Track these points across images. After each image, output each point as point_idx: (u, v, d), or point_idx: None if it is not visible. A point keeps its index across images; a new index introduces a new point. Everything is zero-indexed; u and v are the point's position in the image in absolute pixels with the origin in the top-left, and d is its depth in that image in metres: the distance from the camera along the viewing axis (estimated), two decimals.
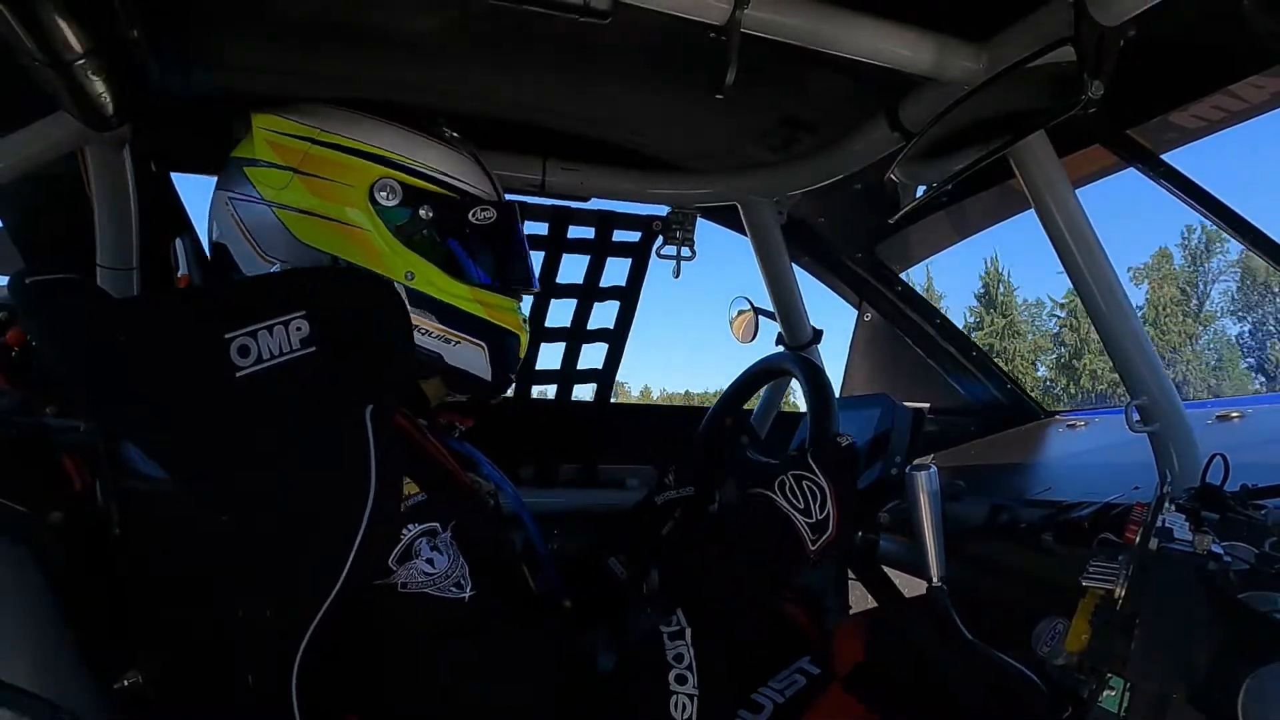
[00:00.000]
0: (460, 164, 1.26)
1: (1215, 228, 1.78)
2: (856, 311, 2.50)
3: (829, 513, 1.18)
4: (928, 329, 2.38)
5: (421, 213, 1.19)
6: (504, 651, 0.96)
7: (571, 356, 2.33)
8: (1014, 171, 1.47)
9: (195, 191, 1.66)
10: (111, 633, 1.01)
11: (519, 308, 1.31)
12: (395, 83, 1.52)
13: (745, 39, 1.15)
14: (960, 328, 2.50)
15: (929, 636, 1.27)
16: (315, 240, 1.16)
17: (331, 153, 1.18)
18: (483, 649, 0.95)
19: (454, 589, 0.94)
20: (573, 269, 2.22)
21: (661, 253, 2.18)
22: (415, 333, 1.12)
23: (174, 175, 1.81)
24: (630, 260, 2.26)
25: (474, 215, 1.23)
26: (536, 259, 2.11)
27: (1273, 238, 1.51)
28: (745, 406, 1.85)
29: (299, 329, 0.92)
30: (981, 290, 37.34)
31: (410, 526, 0.94)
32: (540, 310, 2.21)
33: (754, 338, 2.33)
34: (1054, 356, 37.48)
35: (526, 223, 2.02)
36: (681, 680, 0.98)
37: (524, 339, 1.31)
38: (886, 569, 1.79)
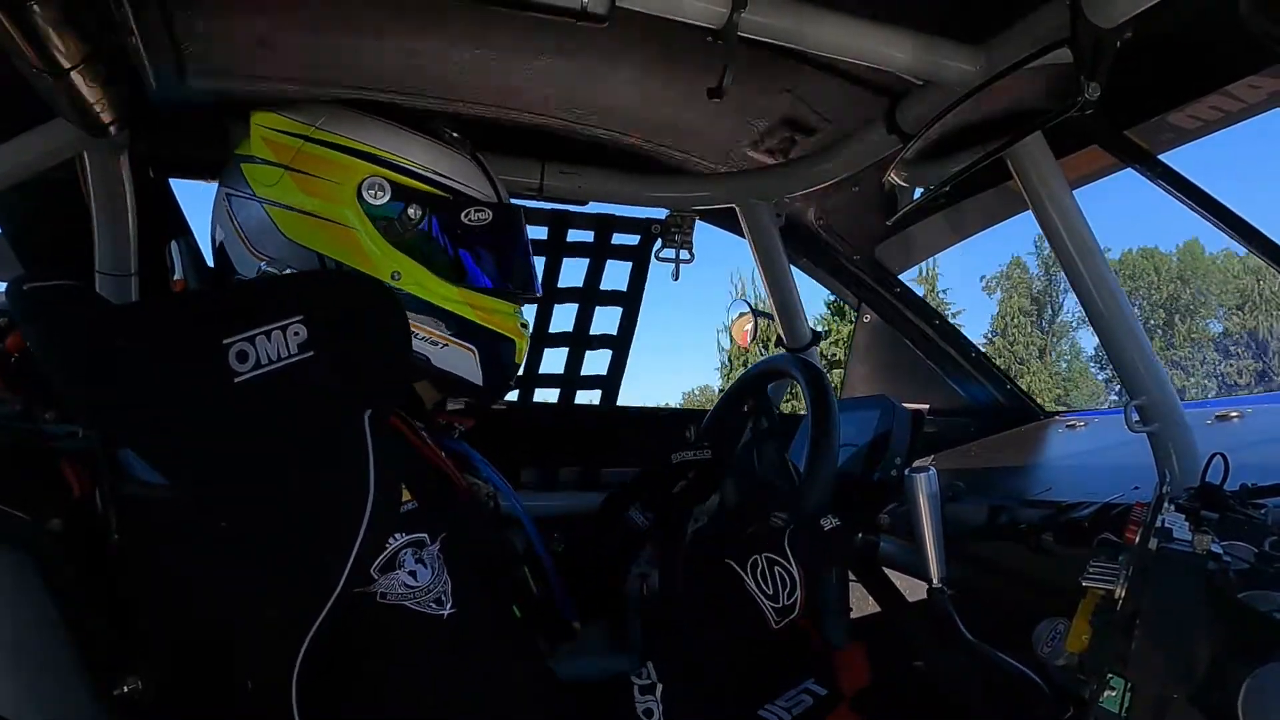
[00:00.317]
0: (456, 164, 1.25)
1: None
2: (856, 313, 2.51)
3: (797, 599, 1.17)
4: (927, 330, 2.38)
5: (411, 212, 1.18)
6: (473, 676, 0.95)
7: (575, 361, 2.34)
8: (1011, 173, 1.47)
9: (194, 198, 1.67)
10: (111, 639, 1.01)
11: (517, 312, 1.29)
12: (393, 86, 1.52)
13: (742, 42, 1.16)
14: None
15: (932, 647, 1.27)
16: (303, 238, 1.15)
17: (323, 150, 1.17)
18: (452, 672, 0.94)
19: (433, 605, 0.93)
20: (575, 276, 2.23)
21: (660, 255, 2.19)
22: None
23: (172, 181, 1.81)
24: (630, 264, 2.27)
25: (467, 216, 1.22)
26: (537, 263, 2.11)
27: (1271, 238, 1.51)
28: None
29: (297, 334, 0.92)
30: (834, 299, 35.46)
31: (397, 536, 0.93)
32: (543, 315, 2.21)
33: (753, 340, 2.33)
34: None
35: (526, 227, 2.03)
36: None
37: (521, 344, 1.29)
38: (887, 570, 1.79)
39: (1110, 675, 0.88)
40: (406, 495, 0.97)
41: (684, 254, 2.18)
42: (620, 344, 2.35)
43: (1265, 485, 1.10)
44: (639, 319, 2.34)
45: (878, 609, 1.63)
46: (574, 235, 2.16)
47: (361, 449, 0.89)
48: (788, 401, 2.71)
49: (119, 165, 1.53)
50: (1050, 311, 35.71)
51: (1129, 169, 1.62)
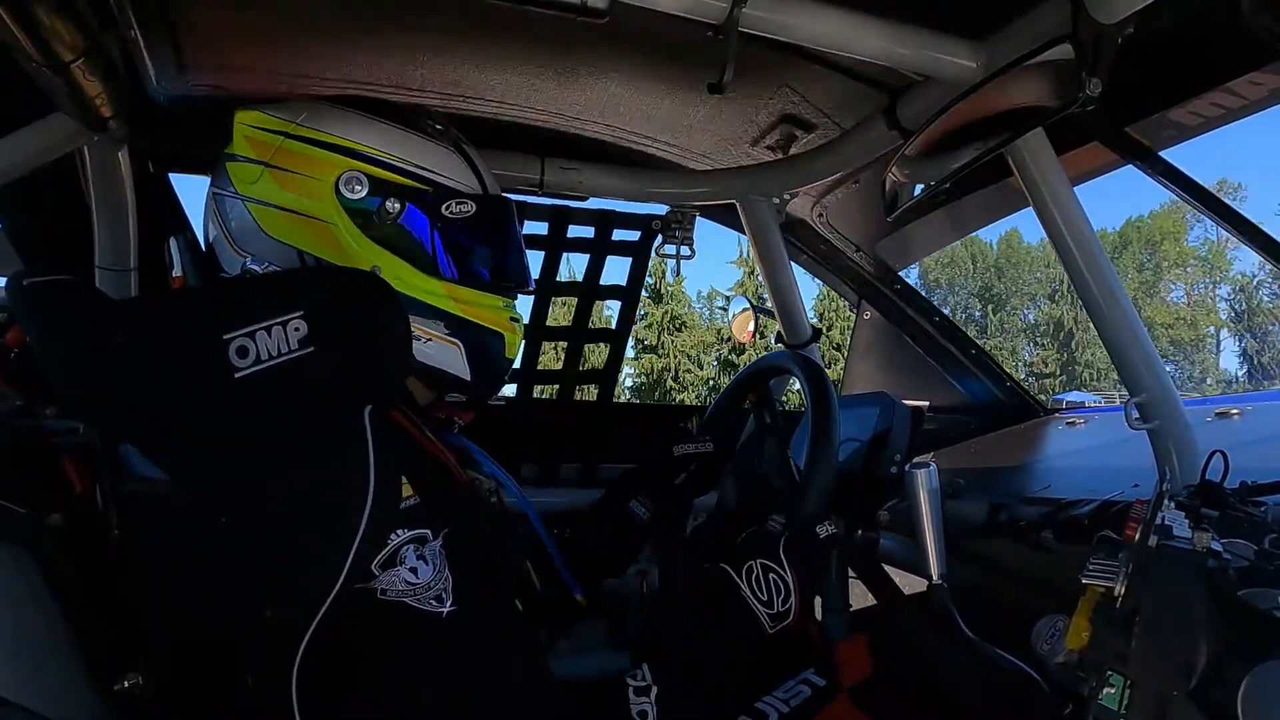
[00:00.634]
0: (438, 156, 1.23)
1: None
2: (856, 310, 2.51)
3: (791, 605, 1.17)
4: (927, 327, 2.38)
5: (389, 205, 1.17)
6: (471, 675, 0.95)
7: (573, 356, 2.34)
8: (1012, 169, 1.47)
9: (195, 192, 1.66)
10: (111, 635, 1.01)
11: (509, 306, 1.28)
12: (392, 83, 1.52)
13: (743, 37, 1.15)
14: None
15: (935, 643, 1.27)
16: (283, 234, 1.15)
17: (302, 146, 1.17)
18: (450, 670, 0.94)
19: (433, 602, 0.93)
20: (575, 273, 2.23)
21: (661, 251, 2.19)
22: None
23: (172, 176, 1.81)
24: (630, 259, 2.27)
25: (448, 209, 1.21)
26: (537, 258, 2.11)
27: (1272, 235, 1.51)
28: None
29: (297, 329, 0.92)
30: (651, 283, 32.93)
31: (399, 532, 0.93)
32: (541, 309, 2.21)
33: (753, 337, 2.33)
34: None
35: (526, 222, 2.03)
36: None
37: (512, 339, 1.27)
38: (887, 567, 1.79)
39: (1110, 672, 0.88)
40: (409, 490, 0.96)
41: (684, 250, 2.18)
42: (618, 338, 2.36)
43: (1265, 483, 1.10)
44: (634, 318, 2.35)
45: (876, 605, 1.64)
46: (574, 231, 2.16)
47: (362, 445, 0.89)
48: (788, 395, 2.71)
49: (119, 160, 1.53)
50: None
51: (1130, 165, 1.62)
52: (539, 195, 1.90)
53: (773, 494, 1.46)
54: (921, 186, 1.51)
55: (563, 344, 2.40)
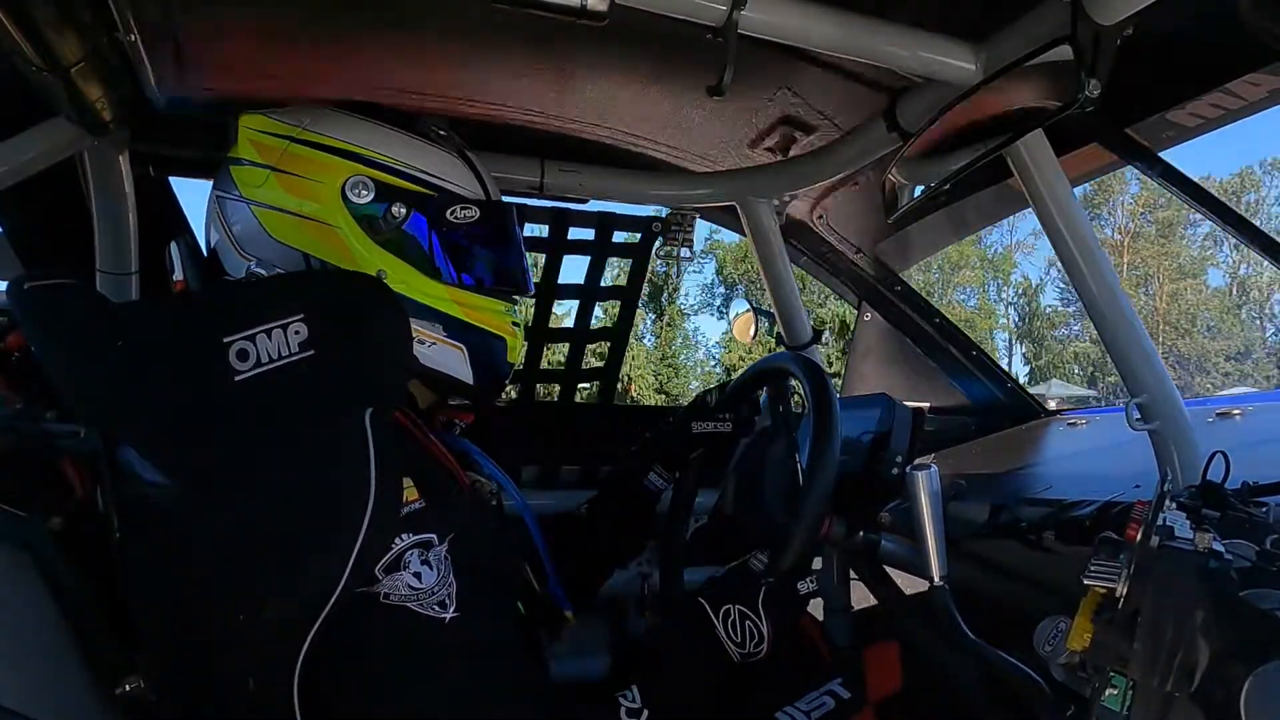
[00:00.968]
0: (442, 161, 1.24)
1: None
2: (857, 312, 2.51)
3: (763, 649, 1.18)
4: (927, 329, 2.38)
5: (395, 210, 1.17)
6: (471, 682, 0.96)
7: (574, 357, 2.34)
8: (1012, 171, 1.47)
9: (193, 194, 1.66)
10: (112, 638, 1.01)
11: (511, 310, 1.28)
12: (393, 86, 1.52)
13: (743, 40, 1.15)
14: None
15: (933, 646, 1.26)
16: (289, 238, 1.15)
17: (308, 150, 1.17)
18: (451, 676, 0.95)
19: (436, 608, 0.93)
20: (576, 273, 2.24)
21: (661, 253, 2.20)
22: None
23: (173, 180, 1.81)
24: (631, 261, 2.27)
25: (452, 214, 1.21)
26: (537, 260, 2.11)
27: (1272, 236, 1.51)
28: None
29: (297, 332, 0.92)
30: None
31: (404, 536, 0.93)
32: (542, 311, 2.21)
33: (754, 338, 2.34)
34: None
35: (527, 224, 2.03)
36: None
37: (513, 342, 1.27)
38: (888, 568, 1.79)
39: (1112, 674, 0.88)
40: (414, 494, 0.96)
41: (684, 251, 2.18)
42: (618, 338, 2.36)
43: (1266, 483, 1.10)
44: (634, 319, 2.35)
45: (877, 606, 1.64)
46: (575, 233, 2.16)
47: (363, 448, 0.89)
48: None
49: (119, 164, 1.53)
50: None
51: (1129, 166, 1.62)
52: (539, 198, 1.90)
53: (766, 516, 1.45)
54: (921, 188, 1.51)
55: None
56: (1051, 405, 2.56)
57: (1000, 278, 38.21)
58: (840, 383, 2.62)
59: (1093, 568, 0.94)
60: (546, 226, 2.11)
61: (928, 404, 2.30)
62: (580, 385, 2.46)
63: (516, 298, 1.31)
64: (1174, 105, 1.46)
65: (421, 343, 1.18)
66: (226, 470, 0.89)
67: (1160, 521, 0.92)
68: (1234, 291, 36.31)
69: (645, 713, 1.03)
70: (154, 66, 1.34)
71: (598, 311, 2.34)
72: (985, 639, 1.25)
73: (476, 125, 1.63)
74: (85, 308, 0.96)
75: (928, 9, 1.27)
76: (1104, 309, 1.43)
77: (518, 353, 1.30)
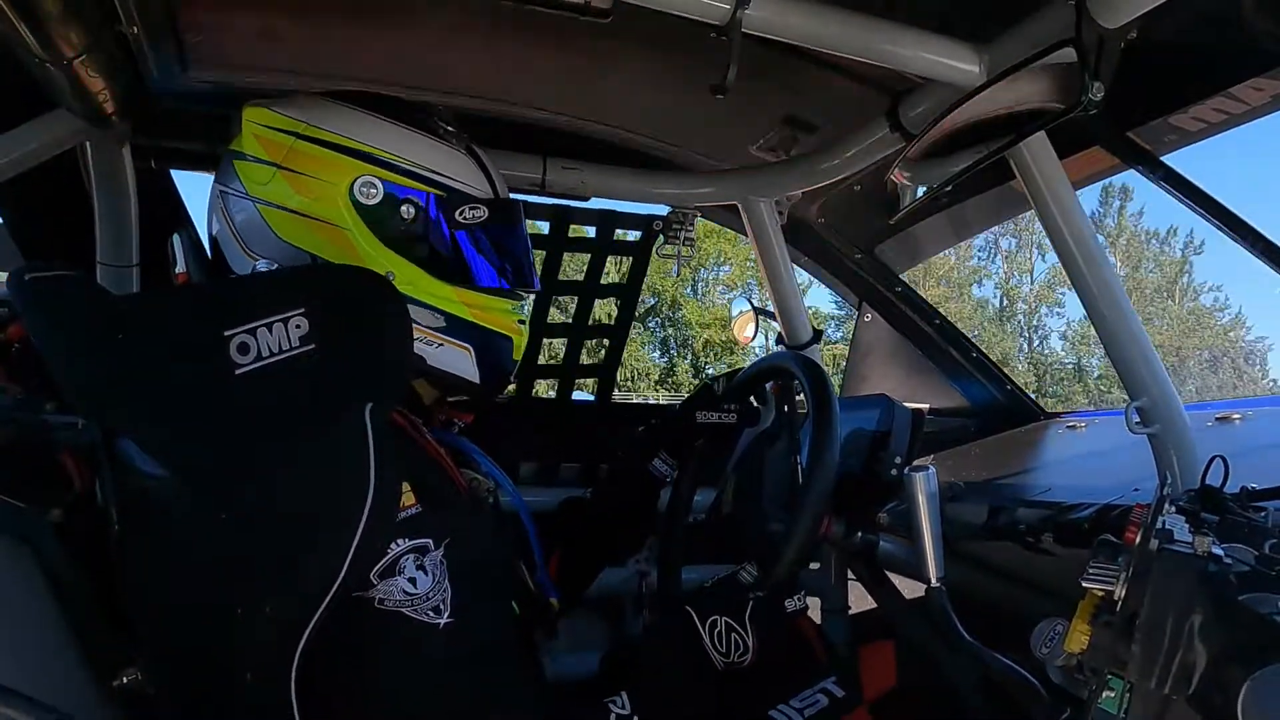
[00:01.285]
0: (451, 159, 1.22)
1: None
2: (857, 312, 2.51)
3: (747, 659, 1.19)
4: (927, 330, 2.38)
5: (404, 211, 1.17)
6: (464, 688, 0.96)
7: (573, 354, 2.34)
8: (1014, 173, 1.47)
9: (191, 184, 1.66)
10: (110, 630, 1.01)
11: (517, 308, 1.28)
12: (395, 80, 1.52)
13: (746, 39, 1.15)
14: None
15: (930, 647, 1.26)
16: (296, 239, 1.14)
17: (315, 148, 1.15)
18: (443, 682, 0.95)
19: (430, 613, 0.93)
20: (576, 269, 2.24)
21: (661, 251, 2.20)
22: None
23: (174, 172, 1.81)
24: (631, 259, 2.27)
25: (461, 214, 1.20)
26: (538, 257, 2.11)
27: (1274, 241, 1.51)
28: None
29: (298, 326, 0.92)
30: None
31: (400, 541, 0.93)
32: (542, 308, 2.21)
33: (754, 338, 2.34)
34: None
35: (528, 221, 2.03)
36: None
37: (519, 340, 1.27)
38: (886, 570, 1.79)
39: (1109, 676, 0.88)
40: (410, 499, 0.97)
41: (685, 250, 2.18)
42: (617, 336, 2.36)
43: (1265, 488, 1.10)
44: (634, 316, 2.35)
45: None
46: (576, 230, 2.17)
47: (362, 442, 0.89)
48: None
49: (120, 156, 1.53)
50: None
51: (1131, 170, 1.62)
52: (540, 195, 1.90)
53: (762, 519, 1.45)
54: (923, 189, 1.51)
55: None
56: None
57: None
58: (840, 383, 2.62)
59: (1091, 570, 0.94)
60: (547, 223, 2.12)
61: (927, 405, 2.30)
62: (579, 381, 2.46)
63: (522, 294, 1.31)
64: (1177, 109, 1.46)
65: (429, 344, 1.18)
66: (226, 463, 0.89)
67: (1159, 525, 0.92)
68: (1000, 302, 35.27)
69: (634, 719, 1.04)
70: (156, 58, 1.34)
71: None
72: (982, 640, 1.25)
73: (478, 121, 1.63)
74: (86, 300, 0.96)
75: (932, 10, 1.27)
76: (1105, 312, 1.43)
77: (521, 350, 1.30)
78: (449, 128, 1.26)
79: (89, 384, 0.92)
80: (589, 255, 2.25)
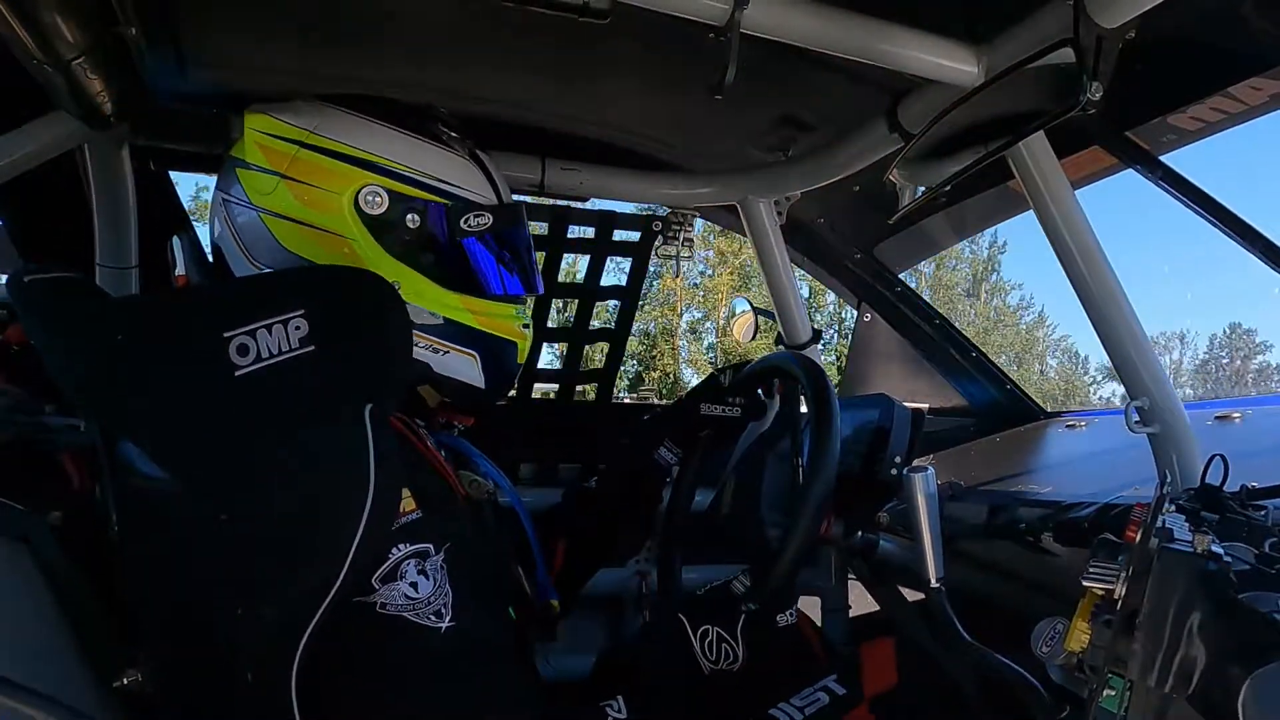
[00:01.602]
0: (456, 167, 1.22)
1: None
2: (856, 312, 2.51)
3: (736, 666, 1.21)
4: (927, 330, 2.38)
5: (409, 220, 1.17)
6: (464, 692, 0.96)
7: (573, 356, 2.34)
8: (1013, 172, 1.47)
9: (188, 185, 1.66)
10: (111, 631, 1.01)
11: (521, 312, 1.28)
12: (394, 82, 1.52)
13: (744, 39, 1.15)
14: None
15: (929, 646, 1.26)
16: (301, 248, 1.14)
17: (319, 157, 1.15)
18: (444, 686, 0.95)
19: (432, 617, 0.93)
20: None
21: (661, 252, 2.20)
22: None
23: (173, 174, 1.81)
24: (631, 260, 2.27)
25: (466, 222, 1.20)
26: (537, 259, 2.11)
27: (1273, 240, 1.51)
28: None
29: (298, 328, 0.92)
30: None
31: (401, 546, 0.93)
32: (541, 310, 2.21)
33: (754, 338, 2.34)
34: None
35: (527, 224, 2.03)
36: None
37: (523, 345, 1.28)
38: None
39: (1110, 675, 0.88)
40: (411, 505, 0.96)
41: (684, 251, 2.18)
42: (617, 337, 2.36)
43: (1265, 487, 1.10)
44: (634, 318, 2.35)
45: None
46: (575, 231, 2.17)
47: (362, 444, 0.89)
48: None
49: (119, 158, 1.53)
50: None
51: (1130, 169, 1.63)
52: (539, 196, 1.90)
53: (759, 524, 1.45)
54: (922, 189, 1.51)
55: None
56: None
57: None
58: (839, 383, 2.62)
59: (1091, 569, 0.94)
60: (546, 224, 2.12)
61: (927, 405, 2.30)
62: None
63: (526, 298, 1.31)
64: (1175, 109, 1.46)
65: (435, 351, 1.18)
66: (226, 465, 0.89)
67: (1159, 524, 0.92)
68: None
69: None
70: (154, 60, 1.34)
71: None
72: (982, 640, 1.25)
73: (477, 123, 1.62)
74: (85, 302, 0.96)
75: (930, 10, 1.26)
76: (1105, 311, 1.43)
77: (525, 354, 1.30)
78: (452, 133, 1.26)
79: (88, 386, 0.92)
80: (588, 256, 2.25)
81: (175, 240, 1.19)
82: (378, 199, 1.15)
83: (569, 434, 2.29)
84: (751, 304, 2.36)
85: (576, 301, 2.31)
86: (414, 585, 0.93)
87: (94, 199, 1.56)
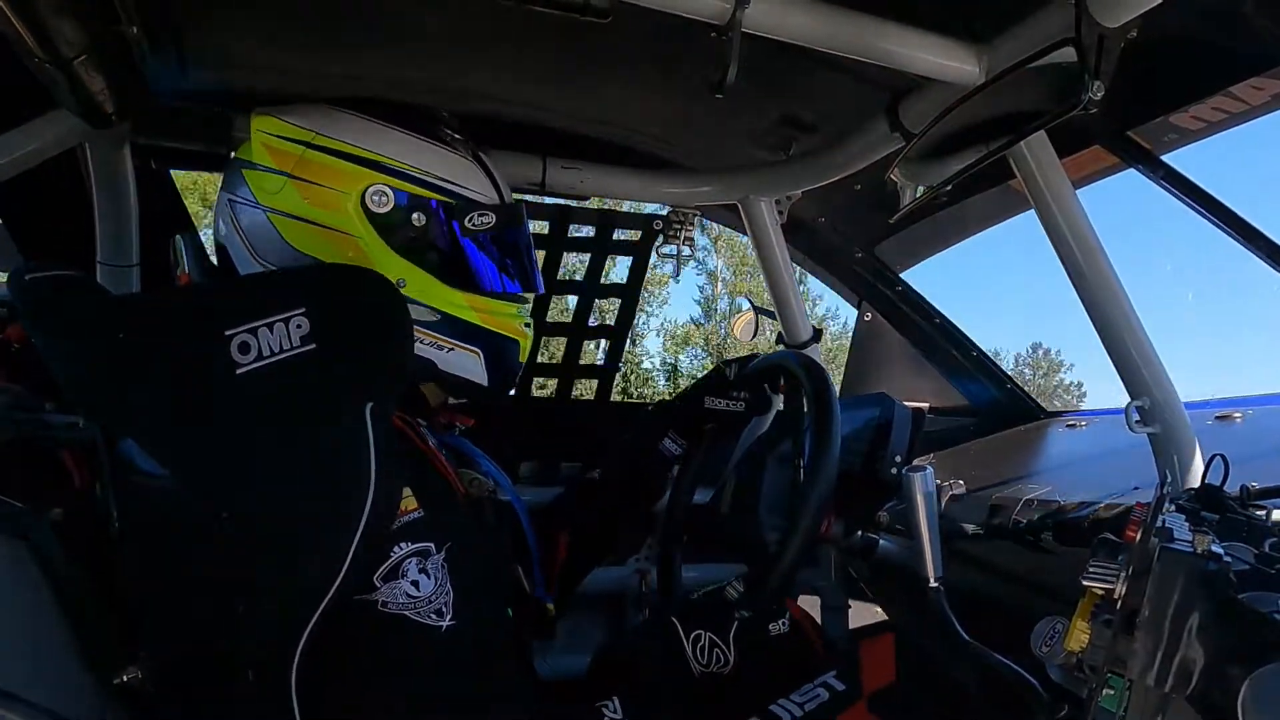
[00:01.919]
0: (459, 167, 1.24)
1: None
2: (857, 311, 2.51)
3: (727, 669, 1.23)
4: (927, 329, 2.38)
5: (414, 219, 1.18)
6: (464, 690, 0.97)
7: (573, 353, 2.34)
8: (1014, 172, 1.47)
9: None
10: (111, 629, 1.01)
11: (523, 310, 1.30)
12: (395, 81, 1.52)
13: (746, 38, 1.15)
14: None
15: (928, 646, 1.27)
16: (307, 246, 1.15)
17: (326, 157, 1.17)
18: (444, 684, 0.96)
19: (433, 615, 0.94)
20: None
21: (661, 251, 2.20)
22: None
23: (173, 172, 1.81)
24: (631, 258, 2.27)
25: (470, 221, 1.22)
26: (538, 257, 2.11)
27: (1275, 240, 1.51)
28: None
29: (299, 326, 0.92)
30: None
31: (402, 545, 0.94)
32: (542, 307, 2.21)
33: (754, 337, 2.34)
34: None
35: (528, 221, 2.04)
36: None
37: (525, 343, 1.29)
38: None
39: (1109, 674, 0.88)
40: (412, 504, 0.97)
41: (685, 250, 2.18)
42: (617, 335, 2.36)
43: (1265, 487, 1.10)
44: (634, 316, 2.35)
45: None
46: (575, 229, 2.17)
47: (363, 442, 0.89)
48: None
49: (121, 156, 1.53)
50: None
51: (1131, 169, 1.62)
52: (540, 195, 1.90)
53: (757, 528, 1.45)
54: (923, 188, 1.51)
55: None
56: None
57: None
58: (840, 382, 2.62)
59: (1091, 569, 0.94)
60: (547, 223, 2.12)
61: (927, 404, 2.30)
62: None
63: (528, 296, 1.32)
64: (1177, 108, 1.46)
65: (439, 348, 1.19)
66: (226, 463, 0.89)
67: (1159, 523, 0.92)
68: None
69: None
70: (155, 58, 1.34)
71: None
72: (982, 640, 1.25)
73: (478, 122, 1.62)
74: (86, 300, 0.96)
75: (931, 9, 1.26)
76: (1105, 311, 1.43)
77: (527, 352, 1.31)
78: (455, 134, 1.28)
79: (89, 383, 0.92)
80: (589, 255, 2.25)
81: (178, 239, 1.20)
82: (383, 198, 1.17)
83: (569, 433, 2.29)
84: (752, 303, 2.35)
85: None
86: (415, 584, 0.93)
87: (95, 197, 1.56)
